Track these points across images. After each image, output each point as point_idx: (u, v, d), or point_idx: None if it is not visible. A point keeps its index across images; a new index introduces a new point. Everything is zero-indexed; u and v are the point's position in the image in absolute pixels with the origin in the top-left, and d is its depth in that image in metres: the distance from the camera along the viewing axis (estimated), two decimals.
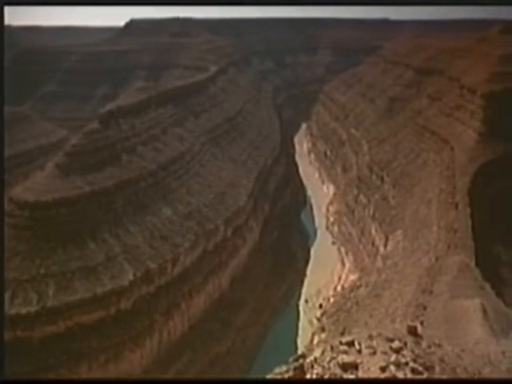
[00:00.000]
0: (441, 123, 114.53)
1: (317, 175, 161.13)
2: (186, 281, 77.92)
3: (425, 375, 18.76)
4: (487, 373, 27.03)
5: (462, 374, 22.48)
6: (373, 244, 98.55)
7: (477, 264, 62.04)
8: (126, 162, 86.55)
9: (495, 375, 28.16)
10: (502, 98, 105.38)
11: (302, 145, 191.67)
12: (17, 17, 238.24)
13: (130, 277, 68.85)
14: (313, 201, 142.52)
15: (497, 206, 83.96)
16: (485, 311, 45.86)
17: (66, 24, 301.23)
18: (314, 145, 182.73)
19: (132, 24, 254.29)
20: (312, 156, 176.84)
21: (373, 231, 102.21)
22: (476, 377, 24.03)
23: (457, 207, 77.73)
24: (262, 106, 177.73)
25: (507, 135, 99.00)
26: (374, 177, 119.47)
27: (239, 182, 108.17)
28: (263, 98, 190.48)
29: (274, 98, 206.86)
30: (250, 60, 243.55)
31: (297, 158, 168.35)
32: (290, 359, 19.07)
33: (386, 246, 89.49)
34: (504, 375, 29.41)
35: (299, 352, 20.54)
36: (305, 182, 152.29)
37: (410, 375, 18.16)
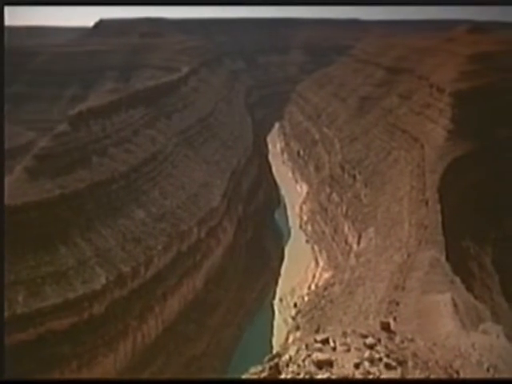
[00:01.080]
0: (411, 121, 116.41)
1: (290, 175, 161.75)
2: (159, 283, 77.16)
3: (398, 370, 19.00)
4: (458, 365, 27.51)
5: (433, 368, 22.72)
6: (346, 242, 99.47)
7: (447, 259, 63.29)
8: (96, 165, 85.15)
9: (465, 368, 28.70)
10: (469, 96, 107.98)
11: (274, 144, 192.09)
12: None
13: (103, 281, 67.76)
14: (286, 200, 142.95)
15: (465, 201, 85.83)
16: (455, 305, 46.77)
17: (34, 24, 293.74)
18: (287, 144, 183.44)
19: (101, 24, 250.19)
20: (285, 155, 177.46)
21: (346, 229, 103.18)
22: (448, 370, 24.41)
23: (427, 204, 79.09)
24: (234, 107, 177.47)
25: (474, 133, 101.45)
26: (346, 175, 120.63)
27: (212, 182, 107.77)
28: (236, 98, 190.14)
29: (246, 98, 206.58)
30: (222, 60, 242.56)
31: (270, 157, 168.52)
32: (265, 359, 19.01)
33: (358, 243, 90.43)
34: (474, 367, 30.00)
35: (274, 351, 20.41)
36: (278, 181, 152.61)
37: (383, 370, 18.36)
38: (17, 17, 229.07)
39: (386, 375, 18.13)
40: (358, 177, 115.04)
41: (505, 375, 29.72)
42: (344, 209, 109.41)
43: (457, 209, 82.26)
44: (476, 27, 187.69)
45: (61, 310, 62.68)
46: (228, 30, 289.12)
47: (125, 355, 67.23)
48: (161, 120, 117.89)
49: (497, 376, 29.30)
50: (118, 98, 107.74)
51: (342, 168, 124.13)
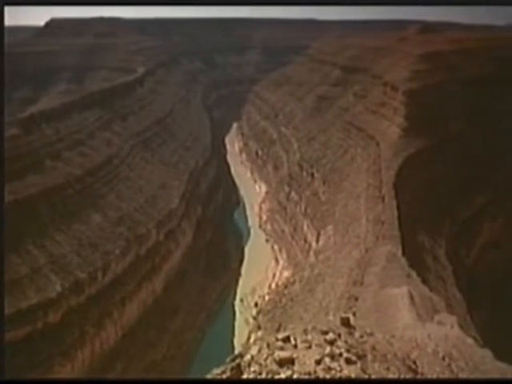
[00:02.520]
0: (367, 120, 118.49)
1: (249, 174, 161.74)
2: (118, 288, 75.48)
3: (358, 364, 19.23)
4: (415, 356, 28.01)
5: (392, 360, 23.18)
6: (305, 240, 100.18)
7: (403, 253, 64.46)
8: (50, 169, 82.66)
9: (422, 358, 29.23)
10: (421, 94, 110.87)
11: (233, 145, 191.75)
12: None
13: (58, 288, 65.63)
14: (245, 200, 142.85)
15: (419, 197, 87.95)
16: (412, 298, 47.67)
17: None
18: (245, 144, 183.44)
19: (52, 23, 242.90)
20: (243, 155, 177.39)
21: (305, 227, 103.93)
22: (406, 362, 24.77)
23: (383, 200, 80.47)
24: (192, 107, 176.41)
25: (427, 130, 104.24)
26: (304, 174, 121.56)
27: (170, 184, 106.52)
28: (193, 99, 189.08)
29: (204, 99, 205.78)
30: (179, 61, 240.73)
31: (228, 157, 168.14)
32: (227, 359, 18.93)
33: (317, 241, 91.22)
34: (430, 357, 30.61)
35: (236, 352, 20.33)
36: (237, 181, 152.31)
37: (344, 365, 18.57)
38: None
39: (346, 370, 18.28)
40: (316, 175, 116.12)
41: (459, 363, 30.44)
42: (303, 207, 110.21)
43: (412, 204, 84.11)
44: (427, 27, 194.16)
45: (14, 320, 60.31)
46: (185, 29, 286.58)
47: (83, 363, 65.32)
48: (116, 122, 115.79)
49: (453, 365, 29.96)
50: (72, 100, 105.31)
51: (301, 167, 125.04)
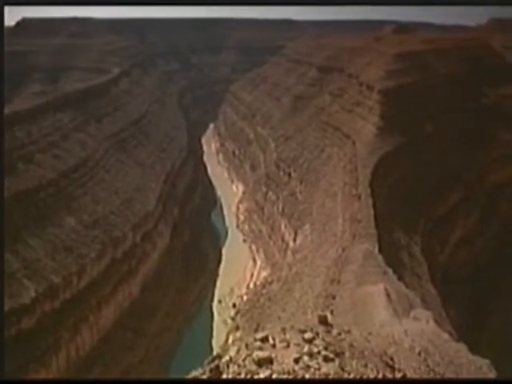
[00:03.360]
0: (343, 119, 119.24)
1: (226, 175, 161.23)
2: (93, 292, 74.27)
3: (336, 362, 19.21)
4: (392, 352, 28.17)
5: (369, 356, 23.22)
6: (283, 239, 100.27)
7: (380, 251, 64.91)
8: (22, 172, 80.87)
9: (399, 353, 29.40)
10: (396, 93, 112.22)
11: (210, 145, 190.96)
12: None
13: (32, 293, 64.21)
14: (223, 200, 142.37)
15: (395, 194, 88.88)
16: (388, 295, 47.97)
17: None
18: (222, 145, 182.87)
19: (24, 23, 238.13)
20: (220, 156, 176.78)
21: (282, 227, 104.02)
22: (383, 358, 24.89)
23: (360, 198, 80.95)
24: (168, 108, 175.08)
25: (402, 128, 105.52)
26: (281, 173, 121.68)
27: (147, 186, 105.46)
28: (169, 100, 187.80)
29: (180, 99, 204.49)
30: (154, 61, 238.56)
31: (205, 158, 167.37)
32: (206, 361, 18.78)
33: (295, 240, 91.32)
34: (407, 353, 30.83)
35: (215, 353, 20.17)
36: (214, 182, 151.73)
37: (322, 363, 18.57)
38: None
39: (324, 368, 18.30)
40: (293, 174, 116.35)
41: (435, 358, 30.73)
42: (280, 207, 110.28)
43: (388, 202, 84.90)
44: (401, 27, 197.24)
45: None
46: (160, 30, 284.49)
47: (58, 370, 64.07)
48: (91, 123, 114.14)
49: (429, 360, 30.22)
50: (45, 102, 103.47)
51: (278, 166, 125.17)
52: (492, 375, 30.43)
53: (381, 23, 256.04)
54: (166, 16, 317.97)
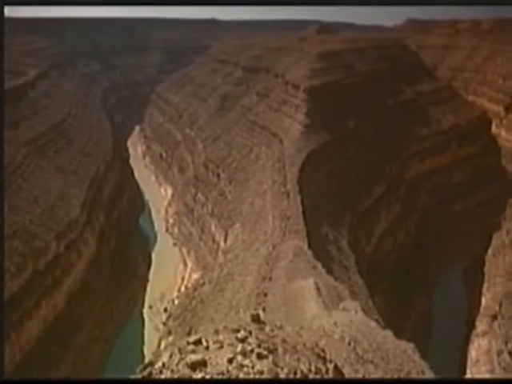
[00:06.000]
0: (270, 118, 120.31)
1: (153, 178, 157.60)
2: (14, 308, 69.11)
3: (270, 358, 19.17)
4: (323, 344, 28.28)
5: (302, 350, 23.33)
6: (213, 240, 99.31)
7: (309, 246, 65.86)
8: None
9: (330, 345, 29.49)
10: (321, 92, 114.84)
11: (136, 148, 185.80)
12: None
13: None
14: (151, 204, 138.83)
15: (322, 190, 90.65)
16: (318, 288, 48.54)
17: None
18: (148, 147, 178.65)
19: None
20: (147, 159, 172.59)
21: (212, 228, 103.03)
22: (315, 350, 24.87)
23: (288, 196, 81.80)
24: (91, 111, 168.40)
25: (327, 126, 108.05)
26: (210, 174, 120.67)
27: (70, 192, 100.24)
28: (92, 102, 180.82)
29: (103, 102, 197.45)
30: (74, 62, 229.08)
31: (131, 162, 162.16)
32: (138, 369, 18.16)
33: (226, 240, 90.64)
34: (337, 343, 31.03)
35: (147, 360, 19.39)
36: (141, 186, 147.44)
37: (256, 361, 18.52)
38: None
39: (258, 365, 18.22)
40: (222, 175, 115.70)
41: (363, 345, 31.13)
42: (210, 208, 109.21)
43: (315, 198, 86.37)
44: (324, 28, 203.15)
45: None
46: (81, 30, 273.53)
47: None
48: (7, 129, 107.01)
49: (358, 348, 30.56)
50: None
51: (206, 167, 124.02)
52: (416, 357, 31.29)
53: (305, 23, 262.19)
54: (86, 15, 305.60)
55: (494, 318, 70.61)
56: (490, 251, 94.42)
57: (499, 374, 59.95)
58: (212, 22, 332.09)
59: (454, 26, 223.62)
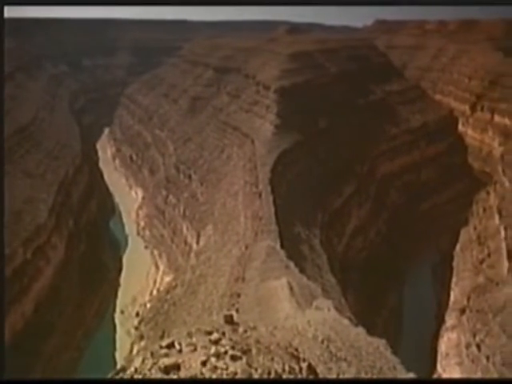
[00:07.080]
0: (241, 119, 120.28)
1: (124, 181, 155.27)
2: None
3: (243, 359, 19.02)
4: (297, 343, 28.28)
5: (275, 350, 23.18)
6: (185, 242, 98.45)
7: (282, 246, 65.88)
8: None
9: (303, 344, 29.49)
10: (291, 92, 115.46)
11: (105, 151, 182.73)
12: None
13: None
14: (121, 207, 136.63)
15: (294, 190, 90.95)
16: (291, 288, 48.62)
17: None
18: (118, 150, 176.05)
19: None
20: (117, 161, 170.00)
21: (184, 229, 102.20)
22: (289, 349, 24.86)
23: (260, 196, 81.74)
24: (58, 113, 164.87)
25: (298, 126, 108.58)
26: (181, 176, 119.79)
27: (38, 197, 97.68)
28: (59, 105, 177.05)
29: (71, 104, 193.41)
30: (41, 64, 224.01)
31: (101, 164, 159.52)
32: (109, 375, 17.80)
33: (198, 242, 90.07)
34: (310, 342, 31.04)
35: (119, 366, 18.91)
36: (111, 189, 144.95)
37: (229, 363, 18.37)
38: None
39: (232, 367, 18.08)
40: (193, 176, 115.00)
41: (337, 344, 31.21)
42: (181, 209, 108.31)
43: (287, 198, 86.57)
44: (294, 28, 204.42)
45: None
46: (48, 31, 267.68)
47: None
48: None
49: (331, 346, 30.62)
50: None
51: (177, 169, 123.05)
52: (388, 354, 31.57)
53: (275, 24, 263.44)
54: (53, 16, 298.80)
55: (463, 311, 72.02)
56: (458, 247, 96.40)
57: (468, 367, 61.18)
58: (182, 23, 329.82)
59: (422, 27, 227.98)
